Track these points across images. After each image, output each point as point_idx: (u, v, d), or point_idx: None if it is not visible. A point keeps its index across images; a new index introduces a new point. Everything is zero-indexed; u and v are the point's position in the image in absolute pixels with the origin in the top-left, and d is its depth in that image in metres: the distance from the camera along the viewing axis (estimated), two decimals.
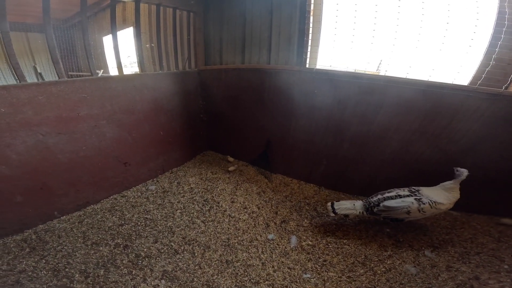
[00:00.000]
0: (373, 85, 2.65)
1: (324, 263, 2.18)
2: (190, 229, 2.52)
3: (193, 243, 2.36)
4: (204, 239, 2.41)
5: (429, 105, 2.50)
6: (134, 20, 3.18)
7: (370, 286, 1.96)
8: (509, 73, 2.34)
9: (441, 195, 2.28)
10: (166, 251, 2.27)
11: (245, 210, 2.86)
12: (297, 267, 2.14)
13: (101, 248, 2.25)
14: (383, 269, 2.10)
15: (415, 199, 2.26)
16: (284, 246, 2.36)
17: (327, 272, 2.09)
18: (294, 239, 2.43)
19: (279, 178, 3.58)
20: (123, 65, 3.13)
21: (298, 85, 3.04)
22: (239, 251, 2.30)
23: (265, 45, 3.23)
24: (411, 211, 2.23)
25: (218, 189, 3.21)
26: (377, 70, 2.87)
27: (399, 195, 2.33)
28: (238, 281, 2.01)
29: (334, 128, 3.00)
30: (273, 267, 2.14)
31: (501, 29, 2.26)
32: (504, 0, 2.25)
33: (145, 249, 2.27)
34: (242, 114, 3.69)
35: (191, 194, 3.08)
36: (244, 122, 3.72)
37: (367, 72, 2.85)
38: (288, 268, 2.14)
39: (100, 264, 2.10)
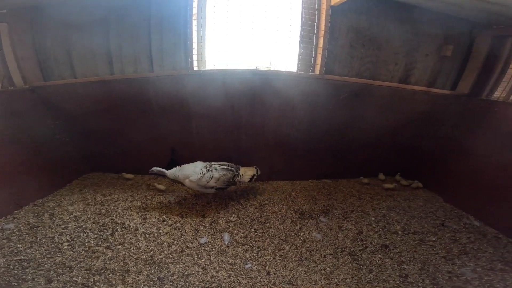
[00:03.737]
0: (247, 79, 3.10)
1: (259, 249, 2.36)
2: (92, 258, 2.16)
3: (104, 272, 2.03)
4: (116, 264, 2.12)
5: (281, 92, 3.17)
6: None
7: (297, 258, 2.28)
8: (313, 58, 3.19)
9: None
10: None
11: (164, 222, 2.67)
12: (237, 260, 2.21)
13: None
14: (300, 241, 2.49)
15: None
16: (219, 245, 2.37)
17: (263, 256, 2.28)
18: (226, 236, 2.47)
19: None
20: None
21: (190, 88, 3.12)
22: (170, 264, 2.14)
23: (144, 52, 3.09)
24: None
25: (119, 210, 2.83)
26: (270, 66, 3.38)
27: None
28: None
29: (232, 123, 3.30)
30: (214, 268, 2.12)
31: (305, 22, 3.08)
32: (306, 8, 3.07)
33: None
34: (129, 127, 3.37)
35: (78, 223, 2.58)
36: (136, 135, 3.41)
37: (260, 69, 3.31)
38: (230, 264, 2.17)
39: None
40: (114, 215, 2.73)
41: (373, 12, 3.04)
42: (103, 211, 2.80)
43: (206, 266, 2.14)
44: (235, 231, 2.58)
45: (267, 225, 2.70)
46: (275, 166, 3.55)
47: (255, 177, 3.10)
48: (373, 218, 2.88)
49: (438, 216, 2.91)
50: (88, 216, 2.69)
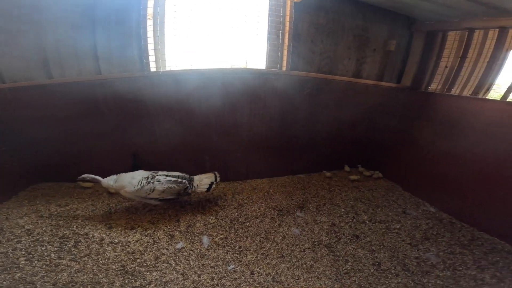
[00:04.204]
0: (215, 78, 3.03)
1: (240, 249, 2.32)
2: (56, 272, 1.97)
3: (72, 286, 1.88)
4: (85, 277, 1.95)
5: (251, 90, 3.17)
6: None
7: (279, 255, 2.29)
8: (280, 55, 3.25)
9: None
10: None
11: (133, 230, 2.48)
12: (219, 263, 2.14)
13: None
14: (280, 237, 2.50)
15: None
16: (198, 249, 2.28)
17: (246, 256, 2.24)
18: (205, 239, 2.38)
19: None
20: None
21: (147, 90, 2.94)
22: (145, 273, 2.01)
23: (88, 54, 2.78)
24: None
25: (79, 221, 2.57)
26: (245, 64, 3.33)
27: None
28: None
29: (201, 124, 3.19)
30: (195, 273, 2.03)
31: (272, 18, 3.11)
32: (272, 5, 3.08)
33: None
34: (80, 133, 3.04)
35: (33, 236, 2.31)
36: (90, 141, 3.09)
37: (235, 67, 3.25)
38: (211, 267, 2.10)
39: None
40: (75, 226, 2.47)
41: (330, 8, 3.14)
42: (60, 222, 2.51)
43: (186, 271, 2.04)
44: (214, 233, 2.50)
45: (247, 224, 2.67)
46: (251, 165, 3.53)
47: (213, 184, 2.84)
48: (343, 210, 3.00)
49: (399, 204, 3.13)
50: (44, 228, 2.41)
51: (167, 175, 2.65)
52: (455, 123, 3.05)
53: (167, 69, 3.02)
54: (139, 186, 2.49)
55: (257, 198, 3.15)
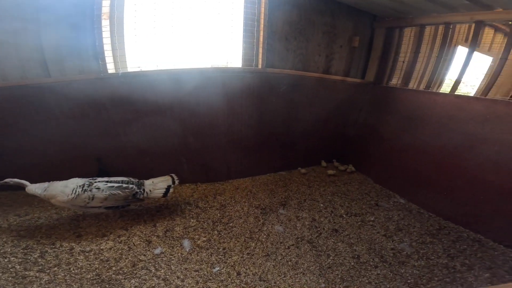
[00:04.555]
0: (185, 78, 2.92)
1: (225, 250, 2.26)
2: (25, 284, 1.84)
3: None
4: (58, 287, 1.82)
5: (227, 88, 3.11)
6: None
7: (264, 253, 2.27)
8: (255, 53, 3.24)
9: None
10: None
11: (105, 238, 2.33)
12: (204, 266, 2.08)
13: None
14: (265, 236, 2.49)
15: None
16: (179, 254, 2.18)
17: (231, 257, 2.19)
18: (186, 243, 2.29)
19: None
20: None
21: (107, 92, 2.75)
22: (123, 280, 1.90)
23: (33, 56, 2.53)
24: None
25: (43, 230, 2.36)
26: (226, 63, 3.26)
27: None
28: None
29: (172, 126, 3.06)
30: (178, 277, 1.95)
31: (247, 16, 3.08)
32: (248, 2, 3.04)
33: None
34: (30, 140, 2.77)
35: None
36: (44, 147, 2.83)
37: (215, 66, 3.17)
38: (195, 271, 2.02)
39: None
40: (39, 236, 2.27)
41: (302, 5, 3.16)
42: (22, 233, 2.29)
43: (168, 276, 1.95)
44: (196, 236, 2.41)
45: (231, 225, 2.61)
46: (232, 165, 3.45)
47: (171, 188, 2.64)
48: (321, 205, 3.05)
49: (372, 197, 3.24)
50: (4, 239, 2.19)
51: (107, 181, 2.41)
52: (414, 116, 3.21)
53: (129, 70, 2.83)
54: (73, 195, 2.23)
55: (240, 198, 3.10)
